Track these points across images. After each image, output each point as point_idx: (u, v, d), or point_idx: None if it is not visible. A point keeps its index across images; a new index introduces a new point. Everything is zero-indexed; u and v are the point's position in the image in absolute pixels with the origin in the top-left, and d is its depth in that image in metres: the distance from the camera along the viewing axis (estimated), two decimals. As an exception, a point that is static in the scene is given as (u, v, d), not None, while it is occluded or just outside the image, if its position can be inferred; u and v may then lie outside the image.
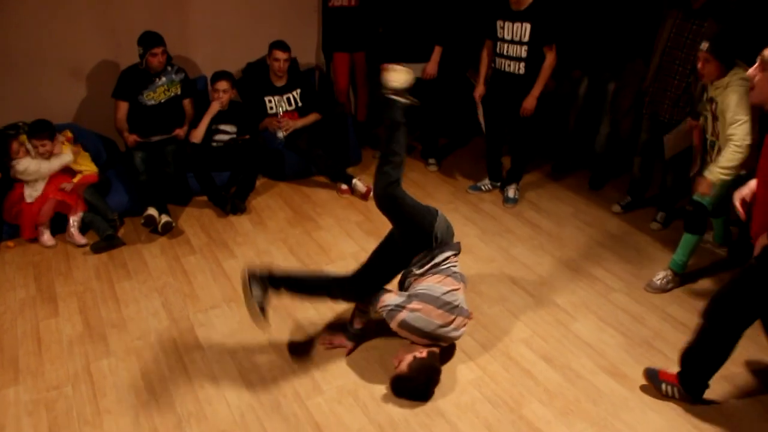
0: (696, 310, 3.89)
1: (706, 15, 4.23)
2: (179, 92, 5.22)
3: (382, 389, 3.33)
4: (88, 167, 4.87)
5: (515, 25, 4.69)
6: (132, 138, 5.05)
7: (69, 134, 4.94)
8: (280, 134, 5.41)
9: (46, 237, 4.63)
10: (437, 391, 3.32)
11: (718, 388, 3.28)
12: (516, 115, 4.95)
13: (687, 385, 3.20)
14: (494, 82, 5.04)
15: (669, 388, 3.25)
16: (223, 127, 5.28)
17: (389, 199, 3.41)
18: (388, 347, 3.61)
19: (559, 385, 3.37)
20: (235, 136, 5.34)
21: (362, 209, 5.17)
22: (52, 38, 5.16)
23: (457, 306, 3.28)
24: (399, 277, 3.49)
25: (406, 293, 3.33)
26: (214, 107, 5.18)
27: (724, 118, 3.70)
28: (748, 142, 3.60)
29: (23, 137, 4.65)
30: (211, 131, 5.24)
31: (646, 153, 4.76)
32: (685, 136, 4.38)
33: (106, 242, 4.58)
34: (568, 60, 5.24)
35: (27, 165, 4.54)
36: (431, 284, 3.29)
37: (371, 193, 5.27)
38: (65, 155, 4.68)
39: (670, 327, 3.83)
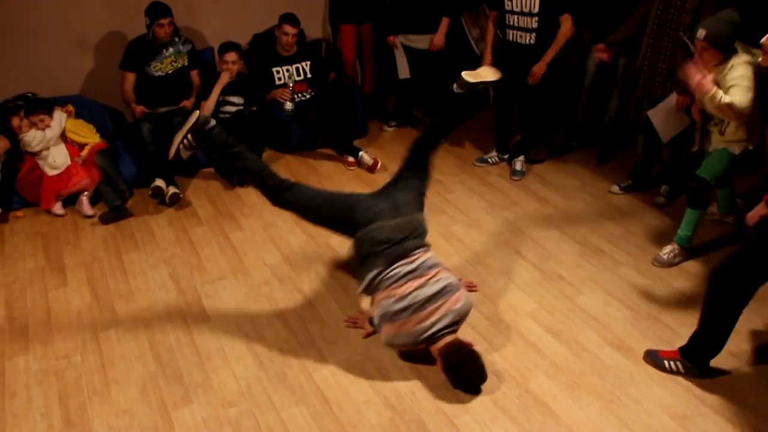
0: (703, 285, 3.88)
1: None
2: (186, 63, 5.20)
3: (388, 362, 3.34)
4: (92, 139, 4.88)
5: None
6: (139, 109, 5.04)
7: (71, 108, 4.95)
8: (289, 105, 5.38)
9: (57, 206, 4.66)
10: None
11: (723, 362, 3.28)
12: (525, 85, 4.91)
13: (692, 358, 3.20)
14: (504, 52, 4.97)
15: (672, 363, 3.24)
16: (230, 98, 5.26)
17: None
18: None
19: (565, 358, 3.38)
20: (242, 107, 5.32)
21: (368, 181, 5.16)
22: (59, 9, 5.15)
23: (426, 300, 3.09)
24: None
25: (375, 321, 3.26)
26: (224, 78, 5.16)
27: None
28: (746, 103, 3.47)
29: (23, 113, 4.65)
30: (218, 103, 5.22)
31: (648, 131, 4.72)
32: (677, 117, 4.34)
33: (114, 213, 4.60)
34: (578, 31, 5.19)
35: (33, 135, 4.56)
36: (381, 303, 3.15)
37: (378, 165, 5.29)
38: (57, 114, 4.71)
39: (677, 301, 3.82)
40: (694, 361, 3.20)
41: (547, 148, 5.59)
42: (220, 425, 2.99)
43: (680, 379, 3.23)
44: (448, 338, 3.13)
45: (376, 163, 5.28)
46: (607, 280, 4.00)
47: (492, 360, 3.36)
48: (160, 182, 4.75)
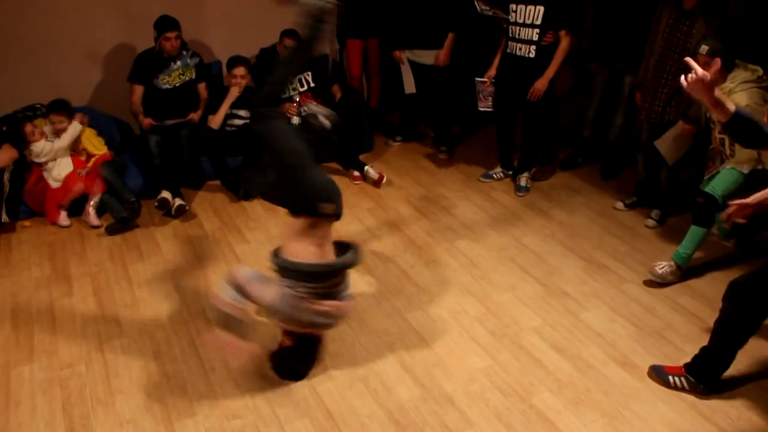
0: (708, 302, 3.89)
1: (698, 15, 4.19)
2: (194, 76, 5.23)
3: (392, 376, 3.34)
4: (101, 150, 4.92)
5: (528, 8, 4.69)
6: (147, 121, 5.06)
7: (86, 117, 4.99)
8: (296, 120, 5.40)
9: (62, 217, 4.68)
10: (447, 378, 3.33)
11: (728, 379, 3.27)
12: (525, 101, 4.94)
13: (699, 374, 3.19)
14: (504, 65, 5.02)
15: (677, 379, 3.24)
16: (237, 112, 5.28)
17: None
18: (400, 335, 3.63)
19: (569, 374, 3.37)
20: (248, 121, 5.34)
21: (374, 196, 5.18)
22: (68, 22, 5.20)
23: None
24: None
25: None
26: (234, 93, 5.18)
27: None
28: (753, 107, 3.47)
29: (38, 120, 4.69)
30: (226, 116, 5.24)
31: (648, 151, 4.72)
32: (680, 141, 4.36)
33: (120, 224, 4.61)
34: (585, 53, 5.23)
35: (42, 146, 4.59)
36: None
37: (384, 180, 5.30)
38: (72, 126, 4.74)
39: (681, 318, 3.81)
40: (700, 377, 3.19)
41: (551, 167, 5.60)
42: (223, 437, 2.99)
43: (685, 395, 3.22)
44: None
45: (381, 177, 5.29)
46: (612, 297, 3.99)
47: (496, 375, 3.36)
48: (166, 194, 4.77)
